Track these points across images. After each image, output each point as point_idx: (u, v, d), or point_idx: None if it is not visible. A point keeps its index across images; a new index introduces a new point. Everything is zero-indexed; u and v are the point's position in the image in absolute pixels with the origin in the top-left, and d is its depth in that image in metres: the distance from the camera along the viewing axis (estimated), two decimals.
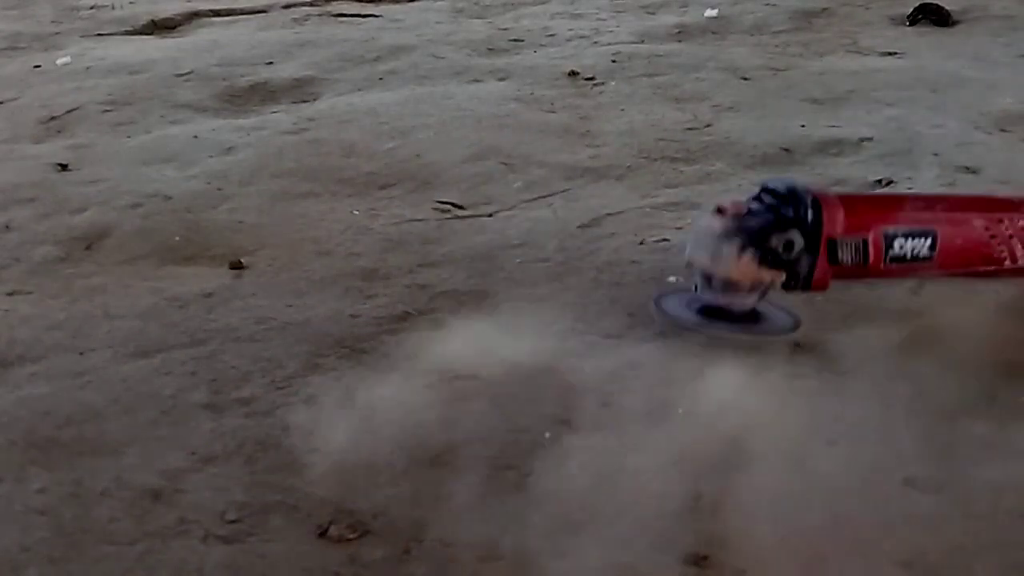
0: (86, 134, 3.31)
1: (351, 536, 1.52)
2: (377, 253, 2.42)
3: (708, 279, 2.04)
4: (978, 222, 2.09)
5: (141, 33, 4.78)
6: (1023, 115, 3.19)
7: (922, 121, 3.15)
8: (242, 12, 5.05)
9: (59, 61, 4.19)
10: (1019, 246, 2.10)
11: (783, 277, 2.02)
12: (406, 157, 3.00)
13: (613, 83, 3.66)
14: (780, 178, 2.11)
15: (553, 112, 3.36)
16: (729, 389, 1.83)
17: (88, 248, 2.49)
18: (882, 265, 2.05)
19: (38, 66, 4.15)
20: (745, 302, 2.04)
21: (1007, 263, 2.10)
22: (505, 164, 2.91)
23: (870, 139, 3.02)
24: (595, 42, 4.25)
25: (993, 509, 1.53)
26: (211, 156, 3.05)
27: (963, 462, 1.63)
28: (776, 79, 3.62)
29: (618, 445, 1.69)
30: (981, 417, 1.73)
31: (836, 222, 2.01)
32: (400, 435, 1.73)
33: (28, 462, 1.70)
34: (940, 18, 4.33)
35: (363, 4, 5.13)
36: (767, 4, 4.69)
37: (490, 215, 2.62)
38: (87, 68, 4.05)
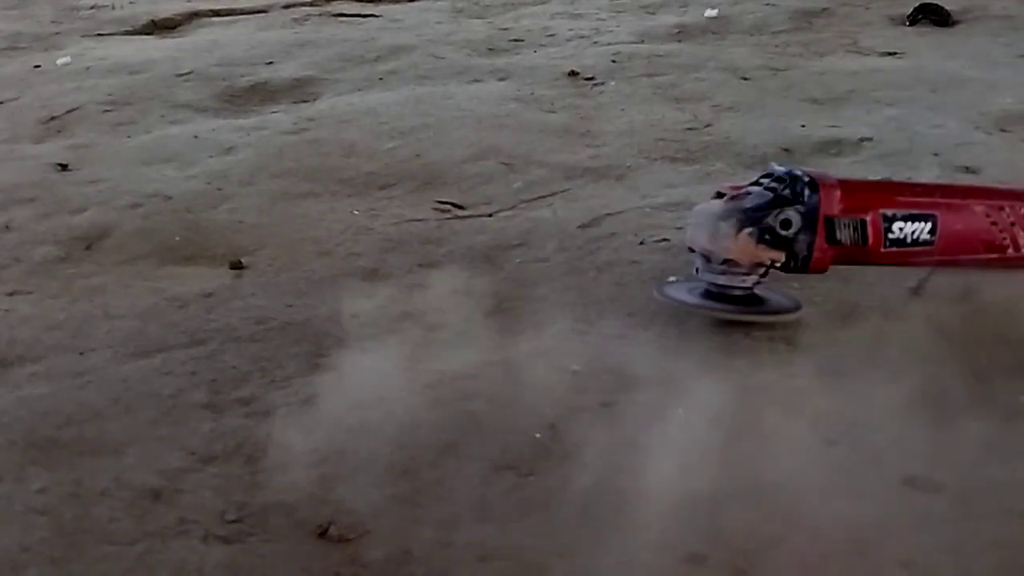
0: (86, 134, 3.31)
1: (351, 536, 1.52)
2: (377, 253, 2.42)
3: (708, 259, 2.06)
4: (979, 208, 2.09)
5: (141, 33, 4.78)
6: (1023, 115, 3.19)
7: (922, 121, 3.16)
8: (242, 12, 5.06)
9: (59, 61, 4.20)
10: (1021, 234, 2.10)
11: (782, 257, 2.03)
12: (406, 157, 3.00)
13: (613, 83, 3.66)
14: (782, 165, 2.13)
15: (553, 112, 3.36)
16: (729, 389, 1.83)
17: (88, 248, 2.49)
18: (882, 248, 2.06)
19: (38, 66, 4.15)
20: (744, 282, 2.05)
21: (1010, 251, 2.10)
22: (505, 164, 2.91)
23: (870, 139, 3.02)
24: (595, 42, 4.25)
25: (993, 509, 1.53)
26: (211, 156, 3.05)
27: (963, 462, 1.63)
28: (776, 79, 3.62)
29: (618, 445, 1.69)
30: (981, 417, 1.73)
31: (833, 201, 2.02)
32: (400, 435, 1.73)
33: (28, 462, 1.70)
34: (940, 18, 4.34)
35: (363, 4, 5.14)
36: (767, 4, 4.69)
37: (490, 215, 2.62)
38: (87, 68, 4.06)
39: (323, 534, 1.52)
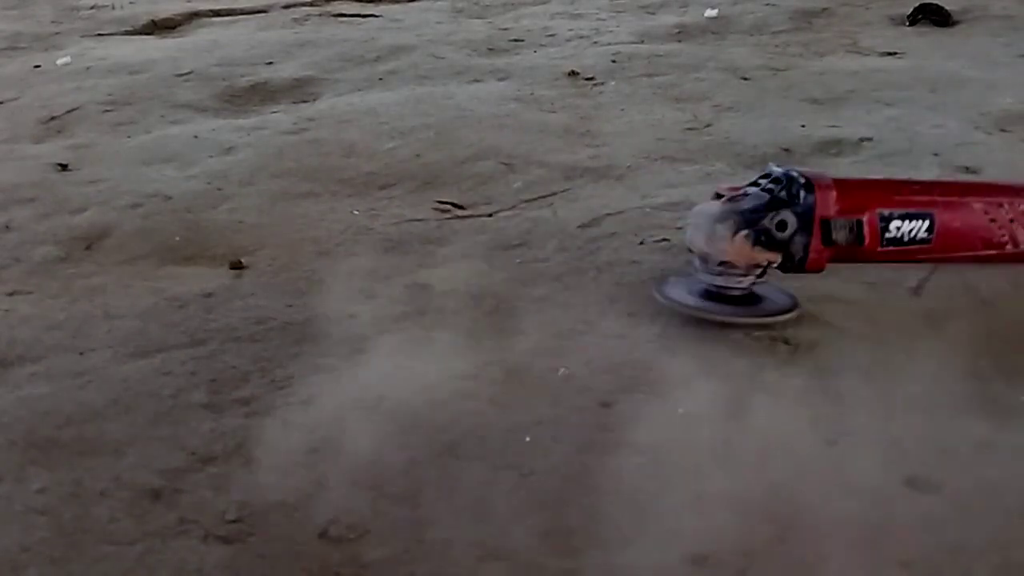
0: (86, 134, 3.31)
1: (351, 536, 1.52)
2: (377, 253, 2.42)
3: (705, 261, 2.08)
4: (977, 205, 2.10)
5: (141, 33, 4.78)
6: (1023, 115, 3.19)
7: (922, 121, 3.16)
8: (242, 12, 5.06)
9: (59, 61, 4.20)
10: (1021, 230, 2.10)
11: (778, 258, 2.05)
12: (406, 157, 3.00)
13: (613, 83, 3.66)
14: (781, 165, 2.14)
15: (553, 112, 3.36)
16: (729, 389, 1.83)
17: (88, 248, 2.49)
18: (879, 247, 2.07)
19: (38, 66, 4.15)
20: (741, 283, 2.08)
21: (1009, 247, 2.11)
22: (505, 164, 2.91)
23: (870, 139, 3.02)
24: (595, 42, 4.25)
25: (993, 509, 1.53)
26: (211, 156, 3.05)
27: (963, 462, 1.63)
28: (776, 79, 3.63)
29: (618, 445, 1.69)
30: (981, 417, 1.73)
31: (829, 203, 2.03)
32: (400, 435, 1.73)
33: (28, 462, 1.70)
34: (940, 18, 4.34)
35: (363, 4, 5.14)
36: (767, 4, 4.69)
37: (490, 215, 2.62)
38: (87, 68, 4.06)
39: (323, 534, 1.52)
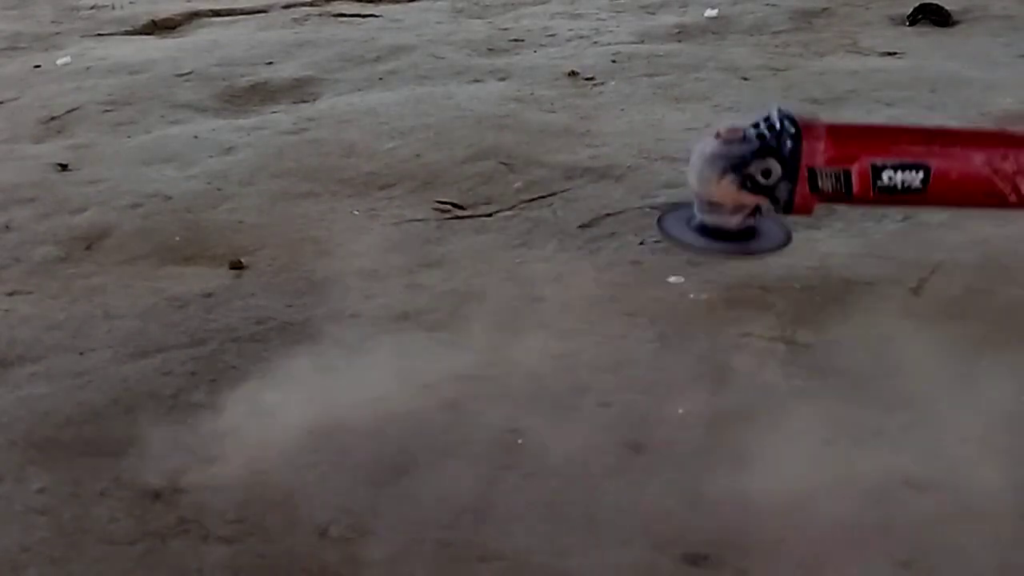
0: (86, 134, 3.31)
1: (351, 536, 1.52)
2: (377, 253, 2.42)
3: (699, 199, 2.14)
4: (978, 157, 2.13)
5: (141, 33, 4.78)
6: (1023, 115, 3.19)
7: (922, 121, 3.15)
8: (242, 12, 5.05)
9: (59, 61, 4.19)
10: None
11: (765, 201, 2.08)
12: (406, 157, 3.00)
13: (613, 83, 3.66)
14: (787, 107, 2.20)
15: (553, 112, 3.36)
16: (728, 389, 1.83)
17: (88, 248, 2.49)
18: (871, 195, 2.09)
19: (38, 66, 4.15)
20: (730, 221, 2.12)
21: (1012, 199, 2.13)
22: (505, 164, 2.91)
23: None
24: (595, 42, 4.25)
25: (993, 509, 1.53)
26: (211, 156, 3.05)
27: (963, 462, 1.63)
28: (776, 79, 3.62)
29: (618, 446, 1.69)
30: (981, 416, 1.73)
31: (816, 152, 2.07)
32: (400, 435, 1.73)
33: (28, 462, 1.70)
34: (940, 18, 4.33)
35: (363, 4, 5.13)
36: (767, 4, 4.69)
37: (490, 215, 2.62)
38: (87, 68, 4.05)
39: (323, 534, 1.52)
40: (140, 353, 2.01)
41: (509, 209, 2.66)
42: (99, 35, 4.69)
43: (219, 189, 2.80)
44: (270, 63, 4.04)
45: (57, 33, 4.72)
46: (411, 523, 1.53)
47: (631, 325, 2.05)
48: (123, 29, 4.81)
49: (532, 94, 3.53)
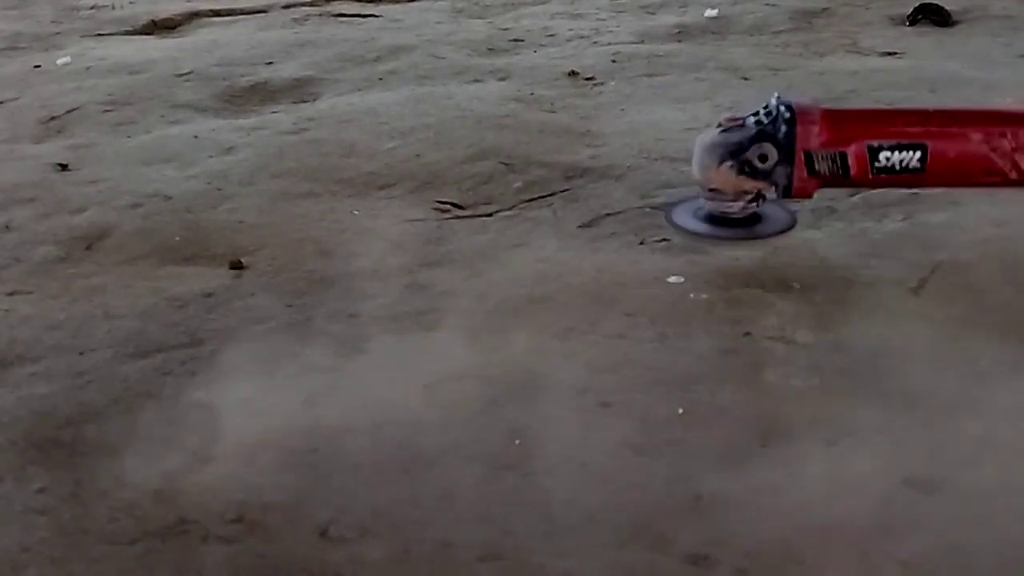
0: (86, 134, 3.31)
1: (351, 536, 1.52)
2: (377, 253, 2.42)
3: (701, 187, 2.30)
4: (976, 135, 2.19)
5: (141, 33, 4.78)
6: None
7: None
8: (242, 12, 5.06)
9: (59, 61, 4.19)
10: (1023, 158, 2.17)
11: (765, 186, 2.23)
12: (406, 157, 3.00)
13: (613, 83, 3.66)
14: (788, 97, 2.29)
15: (553, 112, 3.36)
16: (728, 389, 1.83)
17: (88, 248, 2.49)
18: (869, 176, 2.20)
19: (38, 66, 4.15)
20: (731, 208, 2.27)
21: (1013, 175, 2.17)
22: (505, 164, 2.91)
23: None
24: (595, 42, 4.25)
25: (993, 509, 1.53)
26: (211, 156, 3.05)
27: (963, 461, 1.63)
28: (776, 79, 3.62)
29: (618, 445, 1.69)
30: (981, 416, 1.73)
31: (811, 136, 2.18)
32: (400, 435, 1.73)
33: (28, 462, 1.70)
34: (940, 18, 4.33)
35: (363, 4, 5.14)
36: (767, 4, 4.69)
37: (490, 215, 2.62)
38: (87, 68, 4.06)
39: (323, 534, 1.52)
40: (140, 353, 2.01)
41: (509, 209, 2.66)
42: (99, 35, 4.69)
43: (219, 189, 2.80)
44: (270, 63, 4.04)
45: (57, 33, 4.73)
46: (411, 523, 1.53)
47: (631, 325, 2.05)
48: (123, 29, 4.81)
49: (532, 94, 3.54)
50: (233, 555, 1.49)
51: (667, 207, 2.45)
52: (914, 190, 2.53)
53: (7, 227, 2.61)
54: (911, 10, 4.40)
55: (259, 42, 4.37)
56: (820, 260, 2.30)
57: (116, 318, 2.15)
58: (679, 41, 4.23)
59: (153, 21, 4.92)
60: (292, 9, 5.07)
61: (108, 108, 3.53)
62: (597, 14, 4.76)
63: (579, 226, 2.52)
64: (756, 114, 2.25)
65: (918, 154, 2.17)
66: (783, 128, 2.19)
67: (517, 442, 1.70)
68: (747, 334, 2.00)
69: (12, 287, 2.31)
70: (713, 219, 2.32)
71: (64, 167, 3.01)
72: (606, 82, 3.67)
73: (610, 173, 2.85)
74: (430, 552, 1.48)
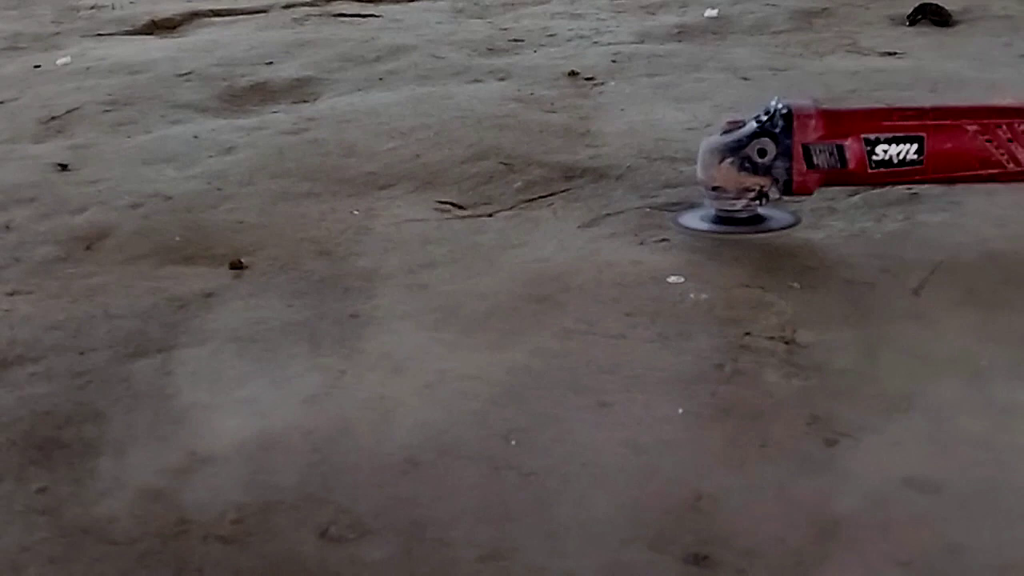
0: (86, 134, 3.31)
1: (351, 536, 1.52)
2: (377, 253, 2.42)
3: (706, 188, 2.39)
4: (971, 127, 2.27)
5: (141, 33, 4.79)
6: None
7: None
8: (242, 12, 5.06)
9: (59, 61, 4.20)
10: (1020, 150, 2.22)
11: (767, 183, 2.31)
12: (406, 157, 3.00)
13: (613, 83, 3.66)
14: (790, 95, 2.40)
15: (553, 112, 3.36)
16: (728, 389, 1.83)
17: (88, 248, 2.49)
18: (868, 169, 2.29)
19: (38, 66, 4.15)
20: (735, 206, 2.35)
21: (1010, 166, 2.23)
22: (505, 164, 2.91)
23: None
24: (595, 42, 4.25)
25: (993, 509, 1.53)
26: (211, 156, 3.05)
27: (963, 461, 1.63)
28: (776, 79, 3.62)
29: (618, 445, 1.69)
30: (981, 416, 1.73)
31: (808, 129, 2.27)
32: (400, 435, 1.73)
33: (28, 462, 1.70)
34: (940, 18, 4.34)
35: (363, 4, 5.14)
36: (767, 4, 4.69)
37: (490, 215, 2.62)
38: (87, 68, 4.06)
39: (323, 534, 1.52)
40: (140, 353, 2.01)
41: (509, 209, 2.66)
42: (99, 35, 4.69)
43: (219, 189, 2.80)
44: (270, 63, 4.04)
45: (57, 33, 4.73)
46: (411, 523, 1.53)
47: (631, 325, 2.05)
48: (123, 29, 4.81)
49: (532, 94, 3.54)
50: (233, 555, 1.49)
51: (674, 211, 2.54)
52: (914, 189, 2.54)
53: (7, 227, 2.61)
54: (911, 10, 4.40)
55: (259, 42, 4.37)
56: (820, 260, 2.30)
57: (116, 318, 2.15)
58: (679, 41, 4.23)
59: (153, 21, 4.92)
60: (292, 9, 5.07)
61: (108, 108, 3.54)
62: (597, 14, 4.76)
63: (579, 226, 2.52)
64: (756, 115, 2.33)
65: (915, 146, 2.26)
66: (780, 123, 2.28)
67: (513, 443, 1.70)
68: (747, 334, 2.00)
69: (12, 287, 2.31)
70: (719, 219, 2.40)
71: (64, 167, 3.01)
72: (606, 82, 3.67)
73: (610, 173, 2.85)
74: (430, 552, 1.48)
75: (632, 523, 1.51)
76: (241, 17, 4.97)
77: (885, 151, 2.27)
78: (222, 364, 1.96)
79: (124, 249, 2.48)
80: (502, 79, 3.74)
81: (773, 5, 4.67)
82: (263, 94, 3.71)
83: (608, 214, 2.58)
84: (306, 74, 3.88)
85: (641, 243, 2.41)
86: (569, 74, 3.75)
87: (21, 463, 1.70)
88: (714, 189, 2.36)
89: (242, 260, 2.39)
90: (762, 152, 2.29)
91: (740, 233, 2.39)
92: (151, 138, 3.25)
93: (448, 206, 2.68)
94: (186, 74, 3.90)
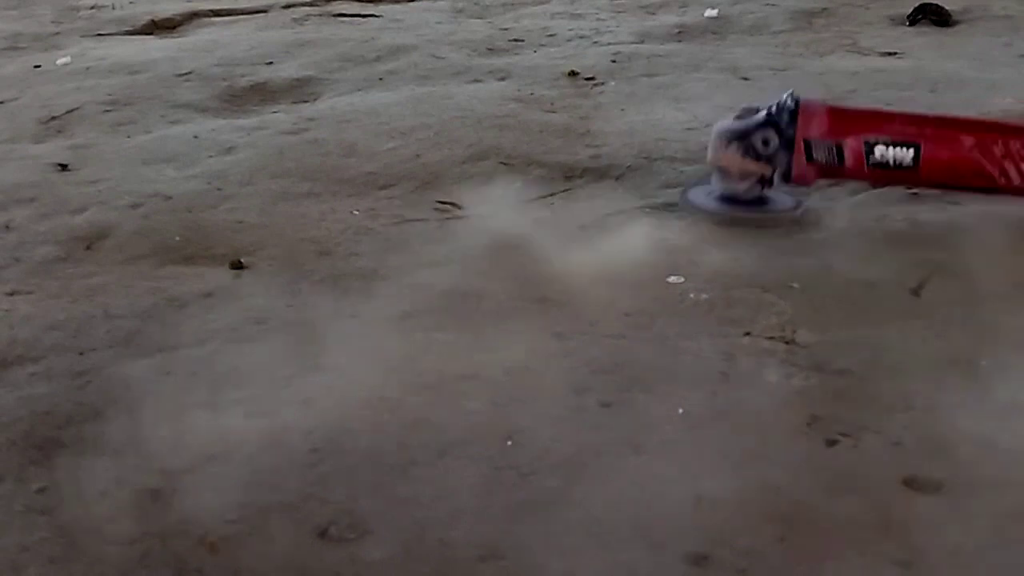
0: (86, 134, 3.31)
1: (351, 536, 1.52)
2: (377, 253, 2.42)
3: (712, 166, 2.51)
4: (967, 140, 2.38)
5: (141, 33, 4.79)
6: (1023, 115, 3.18)
7: None
8: (242, 12, 5.06)
9: (59, 61, 4.20)
10: (1012, 167, 2.36)
11: (769, 170, 2.44)
12: (406, 157, 3.00)
13: (613, 83, 3.66)
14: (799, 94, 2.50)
15: (553, 112, 3.36)
16: (729, 389, 1.83)
17: (88, 248, 2.49)
18: (865, 168, 2.40)
19: (38, 66, 4.15)
20: (738, 188, 2.47)
21: (1002, 181, 2.38)
22: (505, 164, 2.91)
23: None
24: (595, 42, 4.25)
25: (993, 509, 1.53)
26: (211, 156, 3.05)
27: (963, 461, 1.63)
28: (776, 79, 3.62)
29: (618, 445, 1.69)
30: (981, 416, 1.73)
31: (811, 125, 2.40)
32: (400, 435, 1.73)
33: (28, 462, 1.70)
34: (940, 18, 4.34)
35: (363, 4, 5.14)
36: (767, 4, 4.69)
37: (490, 215, 2.62)
38: (87, 68, 4.06)
39: (323, 534, 1.52)
40: (140, 353, 2.01)
41: (509, 209, 2.65)
42: (99, 35, 4.69)
43: (219, 189, 2.80)
44: (270, 63, 4.04)
45: (57, 33, 4.73)
46: (411, 523, 1.53)
47: (631, 325, 2.05)
48: (123, 29, 4.81)
49: (532, 94, 3.54)
50: (233, 555, 1.49)
51: (684, 187, 2.64)
52: (914, 190, 2.54)
53: (7, 227, 2.61)
54: (911, 10, 4.40)
55: (259, 42, 4.37)
56: (820, 260, 2.30)
57: (116, 318, 2.15)
58: (679, 41, 4.23)
59: (153, 21, 4.92)
60: (292, 9, 5.07)
61: (108, 108, 3.53)
62: (597, 14, 4.76)
63: (579, 226, 2.52)
64: (768, 105, 2.45)
65: (911, 152, 2.34)
66: (786, 117, 2.40)
67: (510, 443, 1.70)
68: (747, 334, 2.00)
69: (12, 287, 2.31)
70: (726, 200, 2.51)
71: (64, 167, 3.01)
72: (606, 82, 3.67)
73: (610, 173, 2.85)
74: (430, 552, 1.48)
75: (632, 523, 1.51)
76: (241, 17, 4.97)
77: (883, 154, 2.38)
78: (222, 364, 1.96)
79: (124, 249, 2.48)
80: (502, 79, 3.74)
81: (773, 5, 4.67)
82: (263, 94, 3.71)
83: (608, 214, 2.58)
84: (306, 74, 3.88)
85: (641, 243, 2.41)
86: (569, 74, 3.75)
87: (21, 463, 1.70)
88: (720, 168, 2.49)
89: (242, 260, 2.39)
90: (766, 142, 2.41)
91: (744, 214, 2.49)
92: (151, 138, 3.25)
93: (448, 206, 2.68)
94: (186, 74, 3.90)
